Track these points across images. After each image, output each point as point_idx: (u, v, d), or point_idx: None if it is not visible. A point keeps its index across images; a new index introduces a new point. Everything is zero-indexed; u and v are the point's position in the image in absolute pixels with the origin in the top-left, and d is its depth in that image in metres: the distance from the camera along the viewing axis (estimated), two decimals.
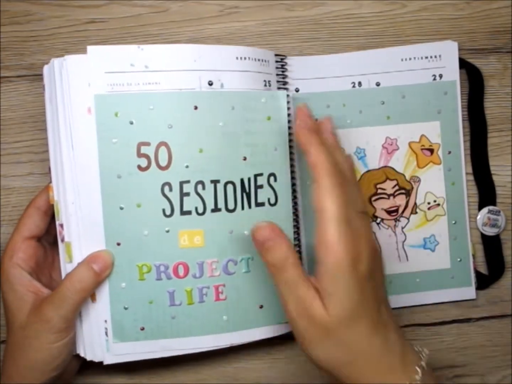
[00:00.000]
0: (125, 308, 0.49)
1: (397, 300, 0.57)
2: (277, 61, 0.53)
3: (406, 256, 0.57)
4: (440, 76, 0.56)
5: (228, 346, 0.51)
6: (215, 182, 0.49)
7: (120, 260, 0.49)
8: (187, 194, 0.49)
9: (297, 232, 0.54)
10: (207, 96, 0.49)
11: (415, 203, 0.57)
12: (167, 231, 0.49)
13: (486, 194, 0.58)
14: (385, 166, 0.57)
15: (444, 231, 0.57)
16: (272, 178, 0.51)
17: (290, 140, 0.52)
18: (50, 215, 0.51)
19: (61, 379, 0.50)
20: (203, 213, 0.49)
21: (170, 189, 0.48)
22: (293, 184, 0.53)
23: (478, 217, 0.58)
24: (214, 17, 0.57)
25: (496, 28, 0.58)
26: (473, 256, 0.57)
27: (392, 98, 0.56)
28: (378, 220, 0.57)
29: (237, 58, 0.50)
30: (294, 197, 0.54)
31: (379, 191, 0.57)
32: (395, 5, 0.57)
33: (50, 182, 0.50)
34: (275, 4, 0.57)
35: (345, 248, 0.42)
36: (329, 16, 0.57)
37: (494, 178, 0.58)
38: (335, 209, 0.43)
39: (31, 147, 0.56)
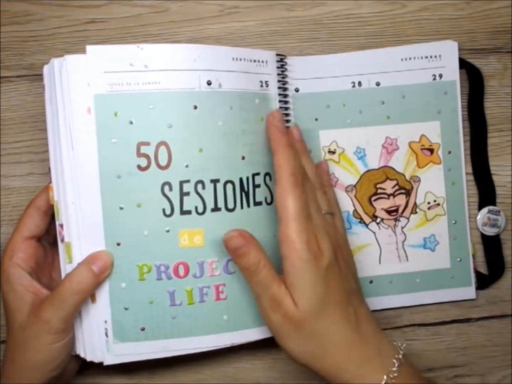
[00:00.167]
0: (125, 309, 0.49)
1: (397, 300, 0.57)
2: (277, 61, 0.53)
3: (406, 256, 0.57)
4: (440, 76, 0.56)
5: (228, 345, 0.51)
6: (215, 181, 0.49)
7: (120, 261, 0.49)
8: (187, 193, 0.49)
9: None
10: (206, 96, 0.49)
11: (415, 203, 0.57)
12: (167, 231, 0.49)
13: (486, 194, 0.58)
14: (385, 166, 0.57)
15: (444, 231, 0.57)
16: (267, 178, 0.52)
17: None
18: (50, 215, 0.51)
19: (61, 379, 0.50)
20: (203, 212, 0.49)
21: (170, 189, 0.48)
22: None
23: (478, 217, 0.58)
24: (214, 17, 0.57)
25: (496, 28, 0.58)
26: (473, 256, 0.57)
27: (392, 98, 0.56)
28: (378, 220, 0.57)
29: (233, 58, 0.50)
30: None
31: (379, 191, 0.57)
32: (395, 5, 0.57)
33: (50, 182, 0.50)
34: (275, 4, 0.57)
35: (306, 243, 0.45)
36: (329, 16, 0.57)
37: (494, 178, 0.58)
38: (295, 208, 0.46)
39: (31, 147, 0.56)
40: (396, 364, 0.45)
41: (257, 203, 0.51)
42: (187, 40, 0.56)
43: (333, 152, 0.56)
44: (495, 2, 0.57)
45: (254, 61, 0.51)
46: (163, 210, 0.49)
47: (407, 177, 0.57)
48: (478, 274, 0.58)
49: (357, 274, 0.52)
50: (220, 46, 0.52)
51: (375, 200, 0.57)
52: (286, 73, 0.54)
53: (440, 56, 0.56)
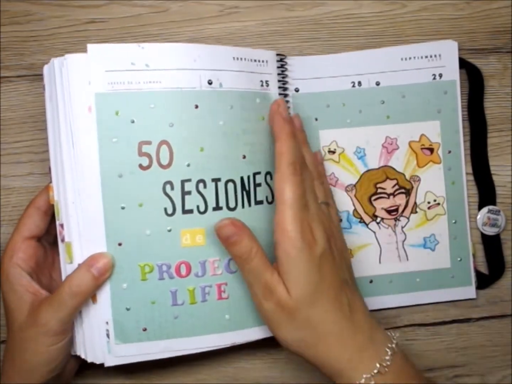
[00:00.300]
0: (127, 309, 0.49)
1: (397, 300, 0.57)
2: (277, 61, 0.53)
3: (406, 256, 0.57)
4: (440, 75, 0.56)
5: (230, 345, 0.51)
6: (216, 180, 0.49)
7: (122, 261, 0.48)
8: (189, 192, 0.49)
9: None
10: (207, 95, 0.49)
11: (415, 203, 0.57)
12: (169, 230, 0.49)
13: (486, 194, 0.58)
14: (385, 166, 0.57)
15: (444, 231, 0.57)
16: (268, 177, 0.52)
17: None
18: (50, 215, 0.50)
19: (60, 379, 0.50)
20: (205, 211, 0.49)
21: (172, 188, 0.48)
22: None
23: (478, 216, 0.58)
24: (214, 17, 0.57)
25: (496, 28, 0.58)
26: (473, 255, 0.57)
27: (392, 97, 0.56)
28: (378, 219, 0.57)
29: (234, 58, 0.50)
30: None
31: (379, 190, 0.57)
32: (395, 5, 0.57)
33: (50, 182, 0.49)
34: (275, 4, 0.57)
35: (300, 231, 0.45)
36: (329, 16, 0.57)
37: (494, 178, 0.58)
38: (292, 196, 0.46)
39: (31, 147, 0.56)
40: (389, 353, 0.45)
41: (258, 202, 0.51)
42: (187, 40, 0.56)
43: (333, 152, 0.56)
44: (495, 2, 0.58)
45: (255, 60, 0.51)
46: (165, 209, 0.48)
47: (407, 177, 0.57)
48: (478, 273, 0.58)
49: (351, 264, 0.52)
50: (221, 45, 0.52)
51: (375, 199, 0.57)
52: (286, 73, 0.55)
53: (440, 55, 0.56)
